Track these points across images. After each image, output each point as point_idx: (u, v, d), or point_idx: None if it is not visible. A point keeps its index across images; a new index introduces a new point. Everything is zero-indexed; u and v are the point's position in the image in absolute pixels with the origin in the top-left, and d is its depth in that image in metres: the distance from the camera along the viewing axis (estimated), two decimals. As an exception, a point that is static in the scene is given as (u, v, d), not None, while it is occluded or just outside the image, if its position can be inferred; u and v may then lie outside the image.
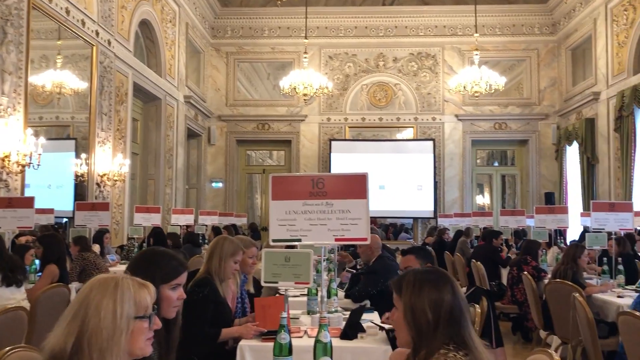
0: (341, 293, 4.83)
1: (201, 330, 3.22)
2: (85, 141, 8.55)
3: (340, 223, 3.00)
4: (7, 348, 2.09)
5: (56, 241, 5.21)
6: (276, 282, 3.00)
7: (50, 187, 8.36)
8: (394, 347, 2.73)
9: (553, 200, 13.10)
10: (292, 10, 13.87)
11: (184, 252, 7.55)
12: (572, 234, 11.42)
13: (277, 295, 3.82)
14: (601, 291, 5.36)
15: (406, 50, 14.42)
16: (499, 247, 8.37)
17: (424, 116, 14.33)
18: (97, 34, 8.60)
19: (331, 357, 2.37)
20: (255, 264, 3.88)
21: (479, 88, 10.77)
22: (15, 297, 4.21)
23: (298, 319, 3.71)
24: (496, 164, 15.47)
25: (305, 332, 3.33)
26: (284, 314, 2.49)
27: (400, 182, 13.88)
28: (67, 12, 7.79)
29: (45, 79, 8.07)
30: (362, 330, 3.24)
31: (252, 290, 4.04)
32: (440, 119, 14.30)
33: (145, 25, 10.74)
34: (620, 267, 5.76)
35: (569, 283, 5.06)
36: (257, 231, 13.09)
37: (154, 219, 8.52)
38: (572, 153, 13.37)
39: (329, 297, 3.89)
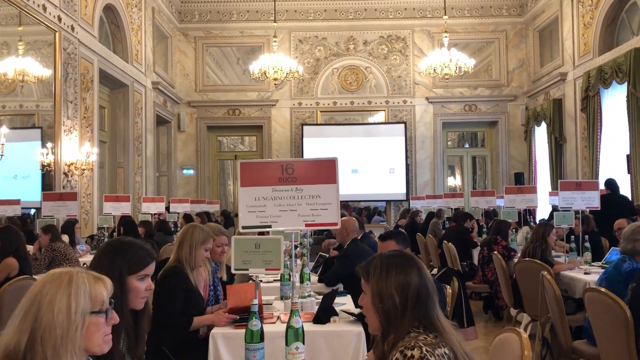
0: (314, 277, 4.84)
1: (172, 319, 3.20)
2: (51, 130, 8.35)
3: (311, 208, 3.00)
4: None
5: (12, 233, 5.09)
6: (247, 269, 2.99)
7: (16, 178, 8.18)
8: (366, 330, 2.75)
9: (522, 181, 13.29)
10: (260, -7, 13.72)
11: (155, 241, 7.49)
12: (542, 213, 11.64)
13: (250, 282, 3.81)
14: (569, 268, 5.49)
15: (376, 33, 14.38)
16: (469, 229, 8.50)
17: (395, 99, 14.36)
18: (60, 19, 8.37)
19: (303, 342, 2.37)
20: (224, 252, 3.85)
21: (449, 70, 10.82)
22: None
23: (271, 304, 3.72)
24: (467, 145, 15.63)
25: (279, 317, 3.33)
26: (255, 301, 2.48)
27: (373, 166, 13.95)
28: (27, -4, 7.56)
29: (7, 66, 7.86)
30: (335, 313, 3.25)
31: (225, 277, 4.02)
32: (411, 102, 14.35)
33: (110, 10, 10.48)
34: (587, 244, 5.91)
35: (538, 262, 5.17)
36: (230, 218, 13.03)
37: (124, 208, 8.39)
38: (541, 133, 13.57)
39: (302, 282, 3.89)
